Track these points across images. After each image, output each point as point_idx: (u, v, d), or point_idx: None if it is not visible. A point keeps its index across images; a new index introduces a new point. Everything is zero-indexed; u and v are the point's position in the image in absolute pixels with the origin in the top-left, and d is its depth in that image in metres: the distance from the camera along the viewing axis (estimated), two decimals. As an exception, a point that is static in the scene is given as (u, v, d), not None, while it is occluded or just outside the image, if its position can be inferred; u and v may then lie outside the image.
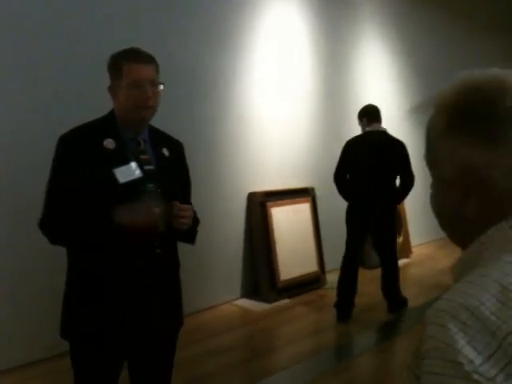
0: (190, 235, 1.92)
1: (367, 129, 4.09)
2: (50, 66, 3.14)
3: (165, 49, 3.61)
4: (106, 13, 3.39)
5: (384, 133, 4.08)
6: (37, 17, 3.09)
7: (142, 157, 1.80)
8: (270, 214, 4.52)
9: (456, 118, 0.72)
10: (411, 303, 4.39)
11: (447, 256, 5.06)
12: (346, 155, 4.05)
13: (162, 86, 1.82)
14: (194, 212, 1.88)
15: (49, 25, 3.14)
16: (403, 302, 4.28)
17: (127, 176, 1.73)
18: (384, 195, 3.97)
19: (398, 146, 4.03)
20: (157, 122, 1.90)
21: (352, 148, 4.05)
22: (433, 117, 0.76)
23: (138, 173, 1.75)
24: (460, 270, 0.73)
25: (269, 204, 4.53)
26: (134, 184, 1.73)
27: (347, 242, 4.10)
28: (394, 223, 4.18)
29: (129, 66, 1.74)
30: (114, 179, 1.71)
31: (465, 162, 0.71)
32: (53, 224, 1.76)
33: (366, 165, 3.94)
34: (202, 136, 4.06)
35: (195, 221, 1.89)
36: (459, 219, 0.74)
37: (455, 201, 0.73)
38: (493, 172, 0.69)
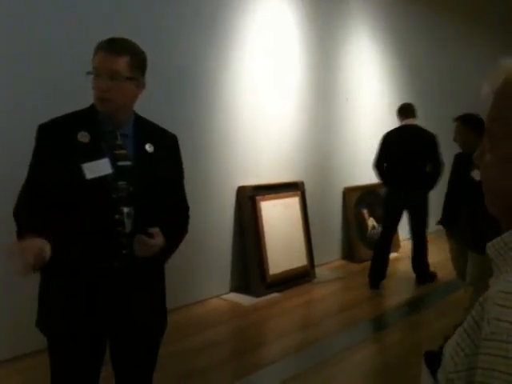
0: (155, 261, 1.77)
1: (402, 123, 4.72)
2: (42, 58, 3.10)
3: (156, 44, 3.58)
4: (100, 7, 3.36)
5: (416, 126, 4.66)
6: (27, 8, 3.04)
7: (117, 152, 1.71)
8: (260, 208, 4.51)
9: None
10: (400, 297, 4.43)
11: (435, 251, 5.09)
12: (384, 146, 4.65)
13: (127, 80, 1.68)
14: (185, 225, 1.87)
15: (40, 11, 3.09)
16: (432, 276, 4.84)
17: (96, 172, 1.64)
18: (416, 180, 4.55)
19: (427, 138, 4.60)
20: (143, 114, 1.87)
21: (388, 140, 4.65)
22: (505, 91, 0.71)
23: (107, 169, 1.66)
24: (502, 251, 0.70)
25: (258, 198, 4.52)
26: (102, 181, 1.65)
27: (384, 221, 4.84)
28: (426, 206, 4.72)
29: (96, 53, 1.69)
30: (82, 174, 1.63)
31: None
32: (19, 219, 1.70)
33: (401, 154, 4.54)
34: (191, 130, 4.03)
35: (167, 248, 1.76)
36: None
37: None
38: None
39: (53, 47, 3.15)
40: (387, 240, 4.75)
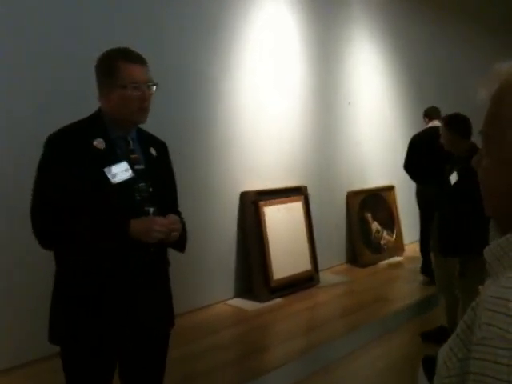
0: (179, 244, 1.91)
1: (428, 125, 4.99)
2: (44, 63, 3.11)
3: (156, 46, 3.59)
4: (100, 11, 3.36)
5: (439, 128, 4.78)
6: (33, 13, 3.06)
7: (133, 156, 1.79)
8: (263, 213, 4.51)
9: None
10: (403, 300, 4.42)
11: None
12: (412, 147, 4.89)
13: (155, 88, 1.80)
14: (181, 219, 1.88)
15: (40, 11, 3.11)
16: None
17: (119, 175, 1.71)
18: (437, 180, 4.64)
19: None
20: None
21: (415, 141, 4.90)
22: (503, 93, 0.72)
23: (129, 172, 1.74)
24: (499, 255, 0.71)
25: (261, 203, 4.51)
26: (126, 184, 1.72)
27: (421, 217, 5.02)
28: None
29: (126, 66, 1.72)
30: (106, 179, 1.69)
31: None
32: (45, 232, 1.73)
33: (427, 155, 4.65)
34: (193, 135, 4.04)
35: (183, 229, 1.87)
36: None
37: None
38: None
39: (53, 47, 3.14)
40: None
